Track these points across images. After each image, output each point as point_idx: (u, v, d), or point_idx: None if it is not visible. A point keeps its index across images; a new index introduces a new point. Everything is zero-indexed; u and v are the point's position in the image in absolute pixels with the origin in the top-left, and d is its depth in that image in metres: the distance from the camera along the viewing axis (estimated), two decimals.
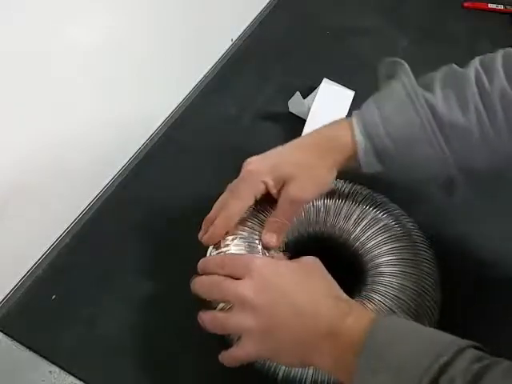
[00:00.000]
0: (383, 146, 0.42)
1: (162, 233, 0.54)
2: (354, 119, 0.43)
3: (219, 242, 0.44)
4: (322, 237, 0.48)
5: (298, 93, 0.64)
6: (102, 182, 0.60)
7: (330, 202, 0.47)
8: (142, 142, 0.65)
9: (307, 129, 0.61)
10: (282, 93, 0.68)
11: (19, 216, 0.49)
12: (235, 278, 0.38)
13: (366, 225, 0.46)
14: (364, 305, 0.41)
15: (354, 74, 0.70)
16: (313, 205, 0.47)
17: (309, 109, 0.63)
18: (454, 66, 0.43)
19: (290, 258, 0.43)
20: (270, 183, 0.43)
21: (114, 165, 0.61)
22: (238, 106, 0.68)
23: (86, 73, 0.51)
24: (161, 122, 0.67)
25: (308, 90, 0.67)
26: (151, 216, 0.56)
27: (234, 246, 0.43)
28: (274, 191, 0.44)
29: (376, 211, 0.47)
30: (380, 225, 0.46)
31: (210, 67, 0.74)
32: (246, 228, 0.44)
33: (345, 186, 0.48)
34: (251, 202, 0.43)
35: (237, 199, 0.43)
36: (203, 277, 0.40)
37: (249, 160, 0.45)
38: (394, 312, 0.41)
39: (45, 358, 0.46)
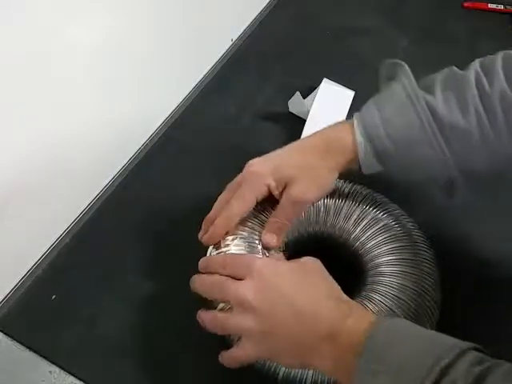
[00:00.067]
0: (383, 148, 0.42)
1: (162, 233, 0.54)
2: (355, 121, 0.43)
3: (219, 241, 0.43)
4: (321, 237, 0.48)
5: (297, 93, 0.64)
6: (102, 182, 0.60)
7: (329, 202, 0.47)
8: (142, 142, 0.65)
9: (307, 129, 0.61)
10: (282, 93, 0.68)
11: (19, 216, 0.49)
12: (236, 278, 0.38)
13: (366, 225, 0.46)
14: (364, 305, 0.41)
15: (354, 74, 0.70)
16: (313, 205, 0.47)
17: (309, 109, 0.62)
18: (455, 68, 0.43)
19: (290, 257, 0.43)
20: (273, 185, 0.43)
21: (114, 165, 0.61)
22: (238, 105, 0.68)
23: (86, 73, 0.51)
24: (161, 122, 0.67)
25: (308, 90, 0.67)
26: (151, 216, 0.56)
27: (234, 246, 0.43)
28: (276, 193, 0.44)
29: (376, 211, 0.47)
30: (380, 225, 0.46)
31: (209, 67, 0.74)
32: (247, 228, 0.44)
33: (345, 186, 0.48)
34: (253, 203, 0.43)
35: (239, 200, 0.43)
36: (204, 276, 0.40)
37: (251, 162, 0.45)
38: (393, 312, 0.40)
39: (45, 357, 0.46)
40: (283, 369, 0.40)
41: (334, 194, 0.47)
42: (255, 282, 0.37)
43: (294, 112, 0.66)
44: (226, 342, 0.41)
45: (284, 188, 0.44)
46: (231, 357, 0.39)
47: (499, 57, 0.42)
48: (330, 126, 0.46)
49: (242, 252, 0.43)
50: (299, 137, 0.61)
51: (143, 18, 0.56)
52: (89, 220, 0.57)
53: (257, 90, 0.70)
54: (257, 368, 0.40)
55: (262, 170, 0.43)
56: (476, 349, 0.30)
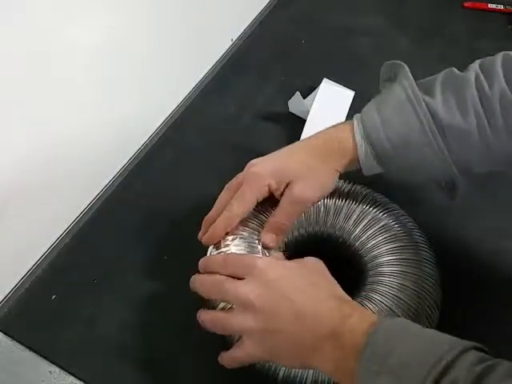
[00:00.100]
0: (383, 150, 0.42)
1: (162, 233, 0.54)
2: (355, 122, 0.44)
3: (219, 241, 0.43)
4: (321, 237, 0.48)
5: (297, 93, 0.64)
6: (101, 182, 0.60)
7: (329, 202, 0.47)
8: (142, 142, 0.65)
9: (307, 129, 0.61)
10: (282, 93, 0.68)
11: (19, 216, 0.49)
12: (237, 278, 0.38)
13: (366, 225, 0.46)
14: (364, 305, 0.41)
15: (354, 74, 0.70)
16: (313, 205, 0.47)
17: (309, 109, 0.62)
18: (454, 69, 0.43)
19: (290, 257, 0.43)
20: (273, 185, 0.43)
21: (114, 165, 0.61)
22: (238, 105, 0.68)
23: (86, 73, 0.51)
24: (161, 122, 0.67)
25: (308, 90, 0.67)
26: (151, 216, 0.56)
27: (234, 246, 0.43)
28: (277, 193, 0.44)
29: (376, 211, 0.47)
30: (380, 225, 0.46)
31: (209, 67, 0.74)
32: (247, 228, 0.44)
33: (345, 186, 0.48)
34: (253, 204, 0.43)
35: (239, 201, 0.43)
36: (204, 275, 0.40)
37: (252, 162, 0.45)
38: (393, 312, 0.40)
39: (45, 358, 0.46)
40: (283, 369, 0.40)
41: (333, 193, 0.47)
42: (256, 282, 0.37)
43: (294, 112, 0.66)
44: (226, 342, 0.41)
45: (285, 188, 0.44)
46: (231, 357, 0.39)
47: (499, 58, 0.42)
48: (330, 127, 0.46)
49: (242, 252, 0.43)
50: (299, 137, 0.61)
51: (143, 18, 0.56)
52: (89, 220, 0.57)
53: (257, 90, 0.70)
54: (257, 368, 0.40)
55: (263, 171, 0.43)
56: (477, 348, 0.30)
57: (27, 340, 0.47)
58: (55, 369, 0.45)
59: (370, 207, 0.47)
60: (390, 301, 0.41)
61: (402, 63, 0.44)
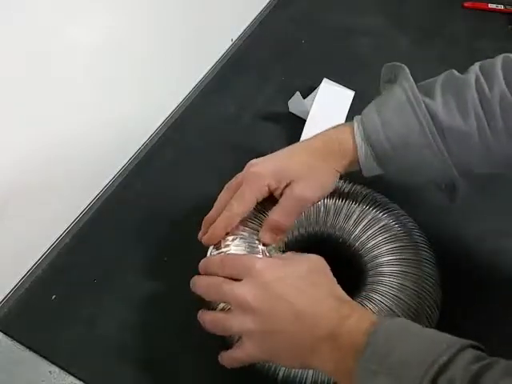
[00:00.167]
0: (383, 151, 0.42)
1: (162, 233, 0.54)
2: (355, 124, 0.44)
3: (219, 242, 0.43)
4: (321, 237, 0.48)
5: (297, 93, 0.64)
6: (101, 182, 0.60)
7: (329, 202, 0.47)
8: (142, 142, 0.65)
9: (307, 129, 0.61)
10: (282, 93, 0.68)
11: (19, 216, 0.49)
12: (235, 278, 0.38)
13: (366, 225, 0.46)
14: (364, 305, 0.41)
15: (354, 74, 0.70)
16: (313, 205, 0.47)
17: (309, 109, 0.62)
18: (454, 71, 0.44)
19: None
20: (273, 185, 0.43)
21: (114, 165, 0.61)
22: (238, 105, 0.68)
23: (86, 73, 0.51)
24: (161, 122, 0.67)
25: (308, 90, 0.67)
26: (151, 216, 0.56)
27: (234, 247, 0.43)
28: (277, 193, 0.44)
29: (376, 211, 0.47)
30: (380, 225, 0.46)
31: (209, 67, 0.74)
32: (247, 228, 0.44)
33: (345, 186, 0.48)
34: (253, 204, 0.43)
35: (239, 201, 0.43)
36: (202, 277, 0.40)
37: (252, 162, 0.45)
38: (393, 312, 0.40)
39: (45, 358, 0.46)
40: (283, 369, 0.40)
41: (333, 194, 0.47)
42: (253, 283, 0.37)
43: (293, 112, 0.66)
44: (225, 342, 0.41)
45: (284, 188, 0.44)
46: (231, 357, 0.39)
47: (499, 60, 0.42)
48: (330, 129, 0.46)
49: (243, 252, 0.43)
50: (299, 137, 0.61)
51: (143, 18, 0.56)
52: (89, 220, 0.57)
53: (257, 90, 0.70)
54: (257, 368, 0.40)
55: (263, 171, 0.43)
56: (474, 346, 0.30)
57: (27, 340, 0.47)
58: (55, 369, 0.45)
59: (369, 207, 0.47)
60: (390, 301, 0.41)
61: (403, 65, 0.44)
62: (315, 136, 0.46)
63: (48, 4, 0.43)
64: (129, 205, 0.58)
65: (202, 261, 0.42)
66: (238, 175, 0.45)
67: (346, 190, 0.48)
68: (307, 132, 0.61)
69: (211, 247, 0.44)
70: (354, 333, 0.33)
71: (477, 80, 0.41)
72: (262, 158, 0.45)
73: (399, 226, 0.46)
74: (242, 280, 0.37)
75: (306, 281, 0.37)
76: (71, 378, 0.45)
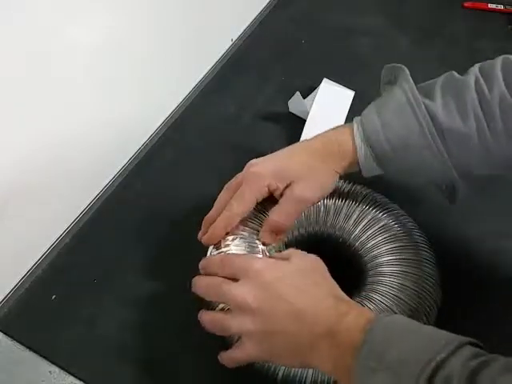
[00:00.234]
0: (383, 152, 0.42)
1: (162, 233, 0.54)
2: (355, 125, 0.44)
3: (219, 241, 0.43)
4: (321, 237, 0.48)
5: (297, 93, 0.64)
6: (101, 182, 0.60)
7: (329, 202, 0.47)
8: (142, 142, 0.65)
9: (307, 129, 0.61)
10: (282, 93, 0.68)
11: (19, 216, 0.49)
12: (235, 278, 0.38)
13: (365, 225, 0.46)
14: (364, 304, 0.41)
15: (354, 74, 0.70)
16: (313, 205, 0.47)
17: (309, 109, 0.62)
18: (454, 73, 0.44)
19: None
20: (273, 185, 0.43)
21: (114, 165, 0.61)
22: (238, 105, 0.68)
23: (86, 73, 0.51)
24: (161, 122, 0.67)
25: (308, 90, 0.67)
26: (151, 216, 0.56)
27: (234, 246, 0.43)
28: (276, 193, 0.44)
29: (376, 211, 0.47)
30: (380, 225, 0.46)
31: (209, 67, 0.74)
32: (247, 228, 0.44)
33: (345, 186, 0.49)
34: (253, 204, 0.43)
35: (239, 201, 0.43)
36: (202, 277, 0.40)
37: (251, 162, 0.45)
38: (394, 312, 0.41)
39: (45, 358, 0.46)
40: (283, 368, 0.40)
41: (333, 194, 0.47)
42: (251, 283, 0.37)
43: (293, 112, 0.66)
44: (225, 342, 0.41)
45: (285, 189, 0.44)
46: (231, 357, 0.39)
47: (499, 62, 0.42)
48: (330, 130, 0.46)
49: (243, 252, 0.43)
50: (299, 137, 0.61)
51: (143, 18, 0.56)
52: (89, 220, 0.57)
53: (257, 90, 0.70)
54: (256, 368, 0.40)
55: (263, 171, 0.43)
56: (473, 343, 0.31)
57: (27, 340, 0.47)
58: (55, 369, 0.45)
59: (369, 207, 0.47)
60: (390, 301, 0.41)
61: (403, 66, 0.45)
62: (315, 137, 0.46)
63: (48, 4, 0.43)
64: (129, 205, 0.58)
65: (202, 260, 0.42)
66: (237, 175, 0.45)
67: (346, 190, 0.48)
68: (307, 132, 0.61)
69: (211, 247, 0.44)
70: (352, 330, 0.33)
71: (476, 81, 0.41)
72: (262, 158, 0.45)
73: (399, 226, 0.46)
74: (241, 280, 0.37)
75: (305, 280, 0.37)
76: (71, 378, 0.45)
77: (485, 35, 0.77)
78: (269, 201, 0.45)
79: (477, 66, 0.43)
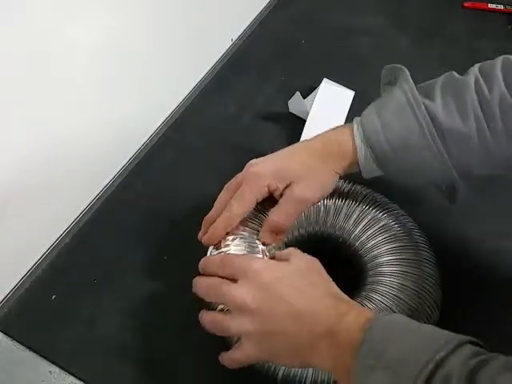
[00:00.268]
0: (383, 153, 0.42)
1: (162, 233, 0.54)
2: (355, 125, 0.44)
3: (219, 242, 0.43)
4: (321, 237, 0.48)
5: (297, 93, 0.64)
6: (101, 182, 0.60)
7: (329, 202, 0.47)
8: (142, 142, 0.65)
9: (307, 129, 0.61)
10: (282, 93, 0.68)
11: (19, 216, 0.49)
12: (234, 279, 0.38)
13: (365, 225, 0.46)
14: (364, 304, 0.41)
15: (354, 74, 0.70)
16: (313, 205, 0.47)
17: (309, 109, 0.62)
18: (454, 73, 0.44)
19: None
20: (273, 186, 0.43)
21: (114, 165, 0.61)
22: (238, 105, 0.68)
23: (86, 73, 0.51)
24: (161, 122, 0.67)
25: (308, 90, 0.67)
26: (151, 216, 0.56)
27: (234, 246, 0.43)
28: (276, 193, 0.44)
29: (376, 211, 0.47)
30: (380, 225, 0.46)
31: (209, 67, 0.74)
32: (247, 228, 0.44)
33: (345, 186, 0.49)
34: (253, 204, 0.43)
35: (239, 201, 0.43)
36: (202, 278, 0.40)
37: (251, 162, 0.45)
38: (393, 312, 0.40)
39: (45, 358, 0.46)
40: (283, 368, 0.40)
41: (333, 193, 0.47)
42: (250, 284, 0.37)
43: (293, 112, 0.66)
44: (225, 342, 0.41)
45: (285, 189, 0.44)
46: (231, 358, 0.39)
47: (498, 62, 0.42)
48: (330, 130, 0.46)
49: (243, 252, 0.43)
50: (299, 137, 0.61)
51: (143, 18, 0.56)
52: (89, 220, 0.57)
53: (257, 90, 0.70)
54: (256, 368, 0.40)
55: (263, 171, 0.43)
56: (473, 342, 0.31)
57: (27, 340, 0.47)
58: (55, 369, 0.45)
59: (369, 207, 0.47)
60: (390, 301, 0.41)
61: (403, 67, 0.44)
62: (315, 137, 0.46)
63: (48, 4, 0.43)
64: (129, 205, 0.58)
65: (202, 260, 0.42)
66: (237, 175, 0.45)
67: (346, 190, 0.48)
68: (307, 132, 0.61)
69: (211, 247, 0.44)
70: (352, 330, 0.33)
71: (476, 82, 0.41)
72: (262, 158, 0.45)
73: (399, 226, 0.46)
74: (240, 281, 0.37)
75: (304, 281, 0.37)
76: (71, 378, 0.45)
77: (485, 35, 0.77)
78: (269, 201, 0.45)
79: (477, 66, 0.43)
